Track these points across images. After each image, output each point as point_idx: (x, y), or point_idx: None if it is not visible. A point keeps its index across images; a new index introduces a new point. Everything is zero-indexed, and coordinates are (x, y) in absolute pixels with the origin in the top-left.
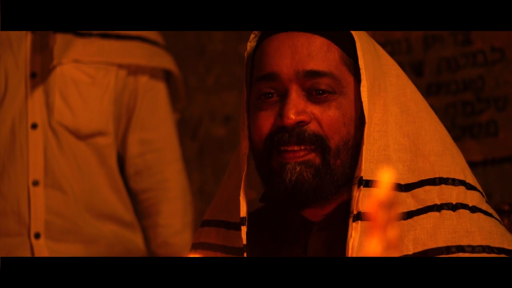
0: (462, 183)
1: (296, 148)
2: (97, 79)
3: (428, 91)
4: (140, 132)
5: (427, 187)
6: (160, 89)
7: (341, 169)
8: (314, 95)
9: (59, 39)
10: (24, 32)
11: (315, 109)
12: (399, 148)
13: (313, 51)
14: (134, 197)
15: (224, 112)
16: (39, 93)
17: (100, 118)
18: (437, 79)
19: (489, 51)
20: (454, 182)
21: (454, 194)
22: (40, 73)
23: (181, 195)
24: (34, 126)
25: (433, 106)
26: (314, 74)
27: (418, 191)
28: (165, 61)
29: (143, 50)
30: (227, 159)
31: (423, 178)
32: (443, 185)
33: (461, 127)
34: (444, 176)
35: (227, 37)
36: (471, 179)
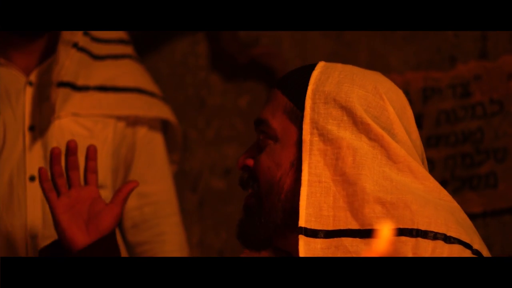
0: (442, 236)
1: (247, 192)
2: (95, 133)
3: (428, 143)
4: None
5: (403, 238)
6: (158, 142)
7: (274, 213)
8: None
9: (57, 93)
10: (22, 85)
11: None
12: (380, 189)
13: (269, 102)
14: (131, 250)
15: (224, 165)
16: (37, 146)
17: (98, 172)
18: (436, 131)
19: (488, 103)
20: (432, 235)
21: (429, 249)
22: (38, 126)
23: (178, 249)
24: (32, 178)
25: (433, 158)
26: (258, 121)
27: (394, 240)
28: (164, 111)
29: (141, 101)
30: (227, 211)
31: (401, 227)
32: (419, 238)
33: (460, 179)
34: (423, 228)
35: (226, 90)
36: (455, 230)
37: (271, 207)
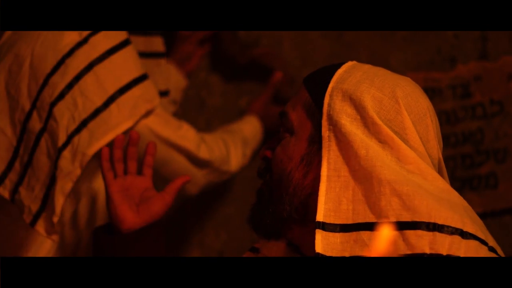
0: (459, 231)
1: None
2: None
3: None
4: None
5: (420, 232)
6: None
7: (281, 206)
8: None
9: None
10: None
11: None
12: (396, 180)
13: (295, 95)
14: None
15: None
16: None
17: None
18: None
19: (488, 104)
20: (449, 230)
21: (446, 245)
22: None
23: None
24: None
25: None
26: (280, 113)
27: (410, 233)
28: None
29: None
30: (227, 212)
31: (417, 220)
32: (436, 233)
33: (460, 180)
34: (440, 222)
35: (227, 91)
36: (471, 226)
37: (278, 199)
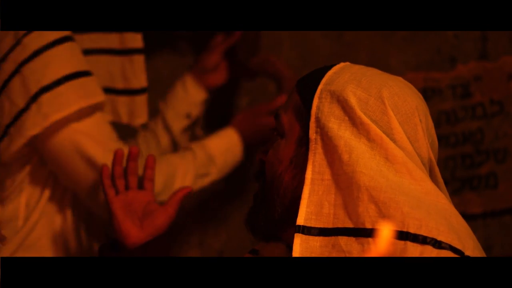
0: (432, 241)
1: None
2: None
3: None
4: None
5: (392, 240)
6: None
7: (273, 208)
8: None
9: None
10: None
11: None
12: (375, 187)
13: (288, 97)
14: None
15: None
16: None
17: None
18: (437, 132)
19: (488, 104)
20: (421, 239)
21: (416, 254)
22: None
23: None
24: None
25: None
26: (274, 116)
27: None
28: None
29: None
30: (227, 211)
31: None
32: (408, 242)
33: (460, 180)
34: (412, 231)
35: (227, 91)
36: (446, 235)
37: (271, 202)
